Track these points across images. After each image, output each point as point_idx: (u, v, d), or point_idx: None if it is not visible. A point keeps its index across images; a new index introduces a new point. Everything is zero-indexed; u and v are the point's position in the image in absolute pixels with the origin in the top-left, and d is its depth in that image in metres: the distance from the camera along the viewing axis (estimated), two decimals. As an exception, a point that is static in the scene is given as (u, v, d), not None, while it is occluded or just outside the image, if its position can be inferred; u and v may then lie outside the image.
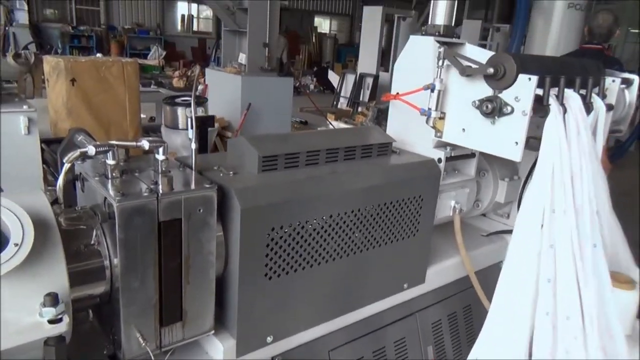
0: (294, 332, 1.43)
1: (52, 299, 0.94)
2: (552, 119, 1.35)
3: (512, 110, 1.40)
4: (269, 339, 1.37)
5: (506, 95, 1.42)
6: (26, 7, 14.64)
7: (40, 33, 15.06)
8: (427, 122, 1.60)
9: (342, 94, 10.02)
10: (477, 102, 1.46)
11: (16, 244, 0.91)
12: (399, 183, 1.58)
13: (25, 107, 2.11)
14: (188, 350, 1.33)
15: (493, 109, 1.42)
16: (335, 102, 10.00)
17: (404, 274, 1.71)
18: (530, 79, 1.35)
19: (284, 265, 1.33)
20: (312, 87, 14.93)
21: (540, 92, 1.37)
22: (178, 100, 3.41)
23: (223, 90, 5.13)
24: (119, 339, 1.15)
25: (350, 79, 9.83)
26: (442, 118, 1.59)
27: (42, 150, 2.09)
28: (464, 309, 1.99)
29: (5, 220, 0.92)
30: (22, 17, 14.55)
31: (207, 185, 1.18)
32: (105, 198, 1.10)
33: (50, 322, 0.93)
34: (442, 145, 1.76)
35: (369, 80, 9.07)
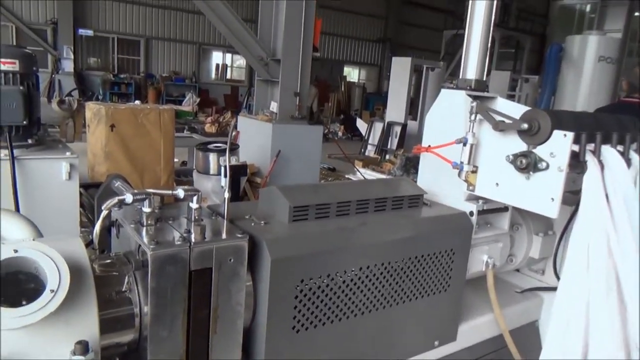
0: (321, 388, 1.39)
1: (83, 347, 0.94)
2: (591, 175, 1.32)
3: (548, 166, 1.38)
4: (295, 395, 1.32)
5: (541, 151, 1.40)
6: (72, 56, 15.58)
7: (84, 80, 15.93)
8: (459, 175, 1.59)
9: (369, 141, 10.13)
10: (511, 156, 1.45)
11: (52, 290, 0.93)
12: (430, 236, 1.55)
13: (68, 153, 2.20)
14: (212, 404, 1.29)
15: (527, 164, 1.40)
16: (362, 150, 10.10)
17: (435, 331, 1.65)
18: (565, 135, 1.34)
19: (312, 318, 1.31)
20: (340, 134, 15.14)
21: (576, 148, 1.35)
22: (210, 146, 3.50)
23: (254, 137, 5.25)
24: (144, 389, 1.13)
25: (378, 127, 9.95)
26: (474, 172, 1.57)
27: (80, 194, 2.16)
28: (499, 369, 1.89)
29: (43, 267, 0.94)
30: (68, 65, 15.49)
31: (239, 235, 1.18)
32: (139, 245, 1.12)
33: (81, 370, 0.93)
34: (474, 198, 1.73)
35: (397, 129, 9.16)
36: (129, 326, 1.13)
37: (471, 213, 1.70)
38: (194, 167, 3.42)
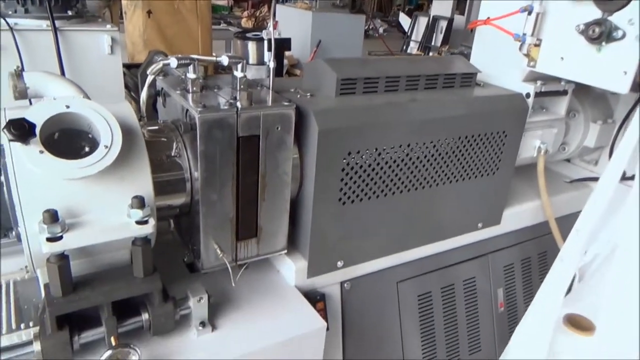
0: (364, 259, 1.42)
1: (139, 202, 0.97)
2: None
3: (624, 35, 1.24)
4: (340, 264, 1.37)
5: (618, 18, 1.25)
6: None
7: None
8: (520, 49, 1.47)
9: (412, 37, 9.56)
10: (582, 26, 1.31)
11: (106, 146, 0.94)
12: (482, 116, 1.48)
13: (108, 26, 2.15)
14: (261, 267, 1.36)
15: (601, 33, 1.26)
16: (405, 47, 9.59)
17: (480, 213, 1.64)
18: (650, -3, 1.18)
19: (358, 192, 1.31)
20: (381, 30, 14.36)
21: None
22: (249, 35, 3.37)
23: (292, 27, 5.02)
24: (198, 249, 1.18)
25: (422, 22, 9.32)
26: (537, 45, 1.44)
27: (123, 74, 2.15)
28: (539, 255, 1.90)
29: (96, 123, 0.95)
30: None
31: (286, 104, 1.15)
32: (187, 110, 1.10)
33: (138, 223, 0.97)
34: (532, 79, 1.62)
35: (443, 24, 8.54)
36: (180, 190, 1.16)
37: (527, 95, 1.60)
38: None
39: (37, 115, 0.90)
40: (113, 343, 0.98)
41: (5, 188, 0.95)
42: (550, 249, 1.93)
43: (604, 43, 1.27)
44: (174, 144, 1.17)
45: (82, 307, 0.95)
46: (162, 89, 1.29)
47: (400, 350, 1.54)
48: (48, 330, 0.94)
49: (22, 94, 1.12)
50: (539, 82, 1.61)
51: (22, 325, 1.07)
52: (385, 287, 1.51)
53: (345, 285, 1.43)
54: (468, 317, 1.70)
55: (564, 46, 1.38)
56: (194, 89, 1.17)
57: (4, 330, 1.05)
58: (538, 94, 1.62)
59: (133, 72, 2.00)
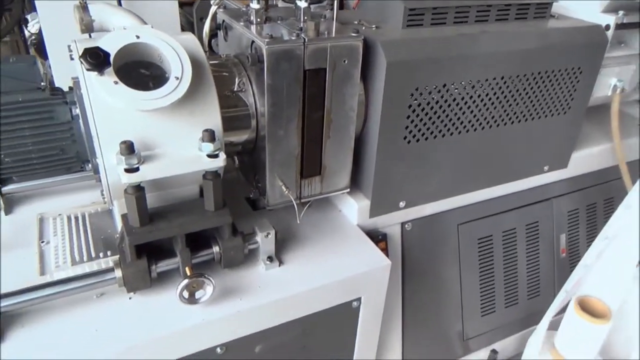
0: (427, 200, 1.40)
1: (210, 135, 0.96)
2: None
3: None
4: (402, 204, 1.35)
5: None
6: None
7: None
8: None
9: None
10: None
11: (177, 78, 0.93)
12: (556, 50, 1.37)
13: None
14: (322, 206, 1.36)
15: None
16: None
17: (547, 156, 1.57)
18: None
19: (424, 130, 1.26)
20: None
21: None
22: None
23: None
24: (263, 186, 1.19)
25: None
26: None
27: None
28: (605, 201, 1.82)
29: (166, 54, 0.93)
30: None
31: (354, 35, 1.09)
32: (252, 42, 1.07)
33: (209, 156, 0.97)
34: (612, 9, 1.48)
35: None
36: (245, 126, 1.14)
37: (607, 27, 1.47)
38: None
39: (110, 45, 0.89)
40: (188, 273, 1.00)
41: (82, 120, 0.96)
42: (617, 195, 1.84)
43: None
44: (237, 78, 1.15)
45: (159, 237, 0.98)
46: (223, 21, 1.25)
47: (459, 293, 1.53)
48: (128, 258, 0.98)
49: (88, 26, 1.11)
50: (620, 13, 1.48)
51: (101, 254, 1.12)
52: (445, 229, 1.49)
53: (406, 226, 1.42)
54: (528, 262, 1.66)
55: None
56: (258, 20, 1.13)
57: (85, 258, 1.10)
58: (618, 26, 1.49)
59: (186, 10, 1.97)
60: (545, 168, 1.58)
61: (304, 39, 1.04)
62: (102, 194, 1.15)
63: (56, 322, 0.95)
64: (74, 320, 0.96)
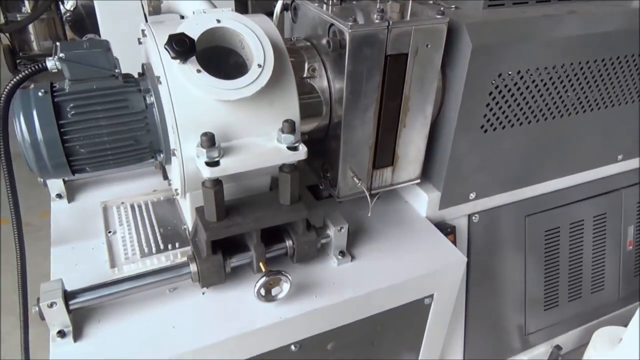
0: (497, 191, 1.33)
1: (291, 126, 0.91)
2: None
3: None
4: (472, 196, 1.28)
5: None
6: None
7: None
8: None
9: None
10: None
11: (259, 65, 0.87)
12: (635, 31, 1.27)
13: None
14: (388, 198, 1.30)
15: None
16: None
17: (621, 145, 1.48)
18: None
19: (502, 119, 1.19)
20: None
21: None
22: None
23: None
24: (334, 177, 1.13)
25: None
26: None
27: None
28: (676, 192, 1.72)
29: (247, 39, 0.87)
30: None
31: (439, 17, 1.02)
32: (331, 26, 1.00)
33: (289, 148, 0.91)
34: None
35: None
36: (317, 114, 1.09)
37: (696, 5, 1.36)
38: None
39: (190, 30, 0.84)
40: (263, 269, 0.97)
41: (156, 109, 0.92)
42: (688, 185, 1.74)
43: None
44: (306, 63, 1.08)
45: (236, 233, 0.94)
46: (291, 2, 1.18)
47: (523, 287, 1.47)
48: (203, 253, 0.94)
49: (156, 9, 1.05)
50: None
51: (170, 246, 1.09)
52: (513, 221, 1.42)
53: (474, 217, 1.35)
54: (595, 255, 1.59)
55: None
56: (334, 1, 1.06)
57: (153, 250, 1.08)
58: None
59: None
60: (619, 157, 1.50)
61: (388, 22, 0.96)
62: (169, 183, 1.11)
63: (133, 317, 0.93)
64: (150, 316, 0.93)
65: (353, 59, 0.97)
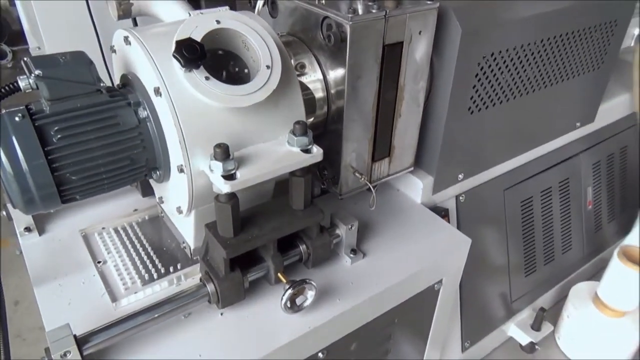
0: (481, 170, 1.37)
1: (302, 128, 0.86)
2: None
3: None
4: (460, 177, 1.31)
5: None
6: None
7: None
8: None
9: None
10: None
11: (268, 67, 0.81)
12: (601, 3, 1.35)
13: None
14: (380, 189, 1.29)
15: None
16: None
17: (579, 112, 1.57)
18: None
19: (486, 99, 1.21)
20: None
21: None
22: None
23: None
24: (335, 174, 1.10)
25: None
26: None
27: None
28: (621, 150, 1.87)
29: (251, 40, 0.81)
30: None
31: (429, 2, 1.00)
32: (324, 19, 0.96)
33: (303, 151, 0.87)
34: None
35: None
36: (311, 111, 1.04)
37: (635, -23, 1.46)
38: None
39: (192, 34, 0.76)
40: (283, 279, 0.92)
41: (152, 123, 0.83)
42: (630, 144, 1.90)
43: None
44: (293, 60, 1.03)
45: (256, 246, 0.88)
46: (270, -5, 1.12)
47: (506, 256, 1.54)
48: (220, 272, 0.88)
49: (126, 12, 0.95)
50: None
51: (171, 269, 1.00)
52: (493, 196, 1.47)
53: (460, 197, 1.38)
54: (562, 218, 1.69)
55: None
56: (320, -8, 1.01)
57: (155, 276, 0.99)
58: (643, -24, 1.49)
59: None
60: (578, 124, 1.59)
61: (385, 11, 0.94)
62: (161, 201, 1.02)
63: (154, 352, 0.85)
64: (173, 347, 0.86)
65: (354, 52, 0.93)
